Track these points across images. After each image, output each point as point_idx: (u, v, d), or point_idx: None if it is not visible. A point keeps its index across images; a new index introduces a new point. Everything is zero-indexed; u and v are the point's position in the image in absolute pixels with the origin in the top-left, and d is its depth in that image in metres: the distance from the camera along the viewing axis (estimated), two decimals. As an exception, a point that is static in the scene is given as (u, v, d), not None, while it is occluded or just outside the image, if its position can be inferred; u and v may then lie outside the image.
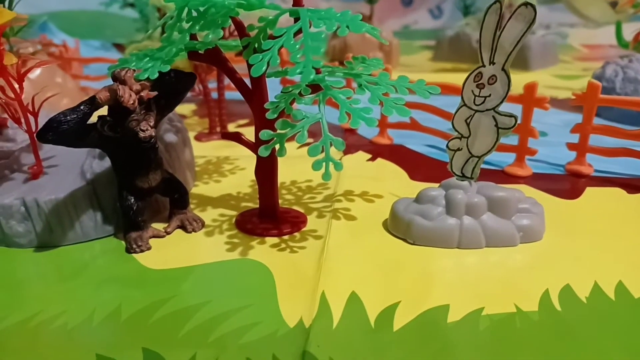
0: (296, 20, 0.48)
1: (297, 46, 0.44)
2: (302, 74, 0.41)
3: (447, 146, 0.54)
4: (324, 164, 0.45)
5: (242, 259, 0.51)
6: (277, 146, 0.46)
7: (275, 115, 0.46)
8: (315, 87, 0.49)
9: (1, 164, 0.62)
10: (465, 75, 0.53)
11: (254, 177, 0.71)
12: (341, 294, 0.44)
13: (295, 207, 0.62)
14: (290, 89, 0.48)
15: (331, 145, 0.44)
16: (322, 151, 0.44)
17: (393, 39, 1.57)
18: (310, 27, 0.45)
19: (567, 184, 0.68)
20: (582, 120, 0.68)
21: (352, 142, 0.84)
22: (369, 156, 0.77)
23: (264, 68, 0.44)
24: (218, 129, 0.91)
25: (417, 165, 0.74)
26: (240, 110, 1.11)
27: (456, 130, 0.53)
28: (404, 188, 0.66)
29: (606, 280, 0.45)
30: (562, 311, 0.41)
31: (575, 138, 0.70)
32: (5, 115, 0.68)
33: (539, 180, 0.69)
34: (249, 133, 0.95)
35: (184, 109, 1.14)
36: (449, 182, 0.54)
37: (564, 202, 0.62)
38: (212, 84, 0.92)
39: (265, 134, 0.46)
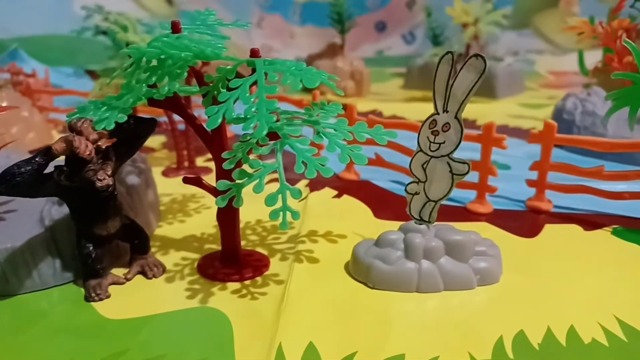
0: (253, 71, 0.49)
1: (252, 99, 0.44)
2: (256, 131, 0.42)
3: (405, 190, 0.55)
4: (281, 213, 0.46)
5: (201, 307, 0.51)
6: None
7: (232, 166, 0.46)
8: (273, 136, 0.49)
9: (-43, 210, 0.60)
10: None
11: (218, 216, 0.72)
12: (298, 345, 0.44)
13: (259, 249, 0.62)
14: (248, 137, 0.49)
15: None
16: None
17: (364, 68, 1.60)
18: (265, 78, 0.46)
19: (527, 220, 0.69)
20: (540, 158, 0.70)
21: (320, 178, 0.85)
22: (335, 192, 0.78)
23: (219, 120, 0.44)
24: (186, 164, 0.91)
25: (382, 203, 0.74)
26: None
27: (414, 175, 0.54)
28: (368, 227, 0.67)
29: (558, 324, 0.46)
30: (515, 359, 0.42)
31: (534, 173, 0.72)
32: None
33: (500, 217, 0.70)
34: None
35: (152, 141, 1.13)
36: (407, 225, 0.55)
37: (522, 241, 0.63)
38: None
39: (222, 184, 0.46)
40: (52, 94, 1.29)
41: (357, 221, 0.69)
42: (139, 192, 0.64)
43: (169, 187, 0.81)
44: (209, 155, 1.09)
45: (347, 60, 1.57)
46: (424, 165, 0.53)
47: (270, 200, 0.45)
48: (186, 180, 0.57)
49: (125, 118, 0.48)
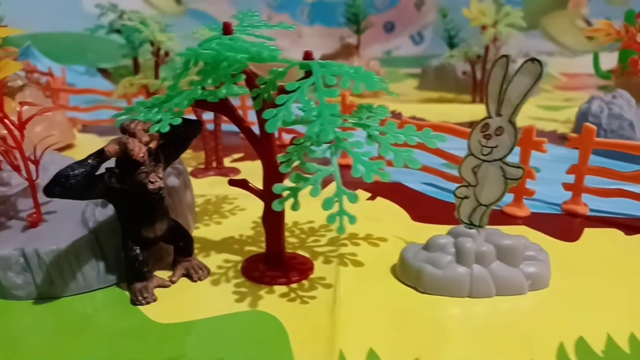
0: (307, 74, 0.48)
1: (312, 103, 0.44)
2: (320, 133, 0.41)
3: (454, 194, 0.55)
4: (338, 217, 0.45)
5: (251, 311, 0.50)
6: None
7: (289, 169, 0.46)
8: (326, 139, 0.49)
9: (-3, 211, 0.60)
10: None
11: (255, 218, 0.71)
12: (359, 351, 0.44)
13: (300, 252, 0.62)
14: (302, 141, 0.49)
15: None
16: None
17: (380, 68, 1.59)
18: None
19: (565, 224, 0.69)
20: (578, 161, 0.69)
21: (350, 179, 0.84)
22: (368, 195, 0.77)
23: (279, 123, 0.44)
24: (214, 164, 0.91)
25: (417, 205, 0.74)
26: (235, 143, 1.11)
27: (463, 179, 0.54)
28: (407, 230, 0.66)
29: (617, 331, 0.46)
30: (580, 366, 0.42)
31: (568, 176, 0.72)
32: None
33: (537, 221, 0.70)
34: (243, 167, 0.96)
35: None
36: (457, 229, 0.54)
37: (564, 245, 0.63)
38: (208, 115, 0.91)
39: (278, 187, 0.46)
40: (74, 92, 1.28)
41: (395, 224, 0.68)
42: (178, 194, 0.64)
43: (199, 188, 0.80)
44: (235, 155, 1.09)
45: (364, 61, 1.57)
46: (475, 169, 0.53)
47: (327, 204, 0.45)
48: (232, 183, 0.57)
49: (180, 120, 0.48)
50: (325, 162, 0.44)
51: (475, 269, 0.52)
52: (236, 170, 0.91)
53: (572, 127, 1.10)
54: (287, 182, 0.45)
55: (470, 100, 1.43)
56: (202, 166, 0.92)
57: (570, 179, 0.72)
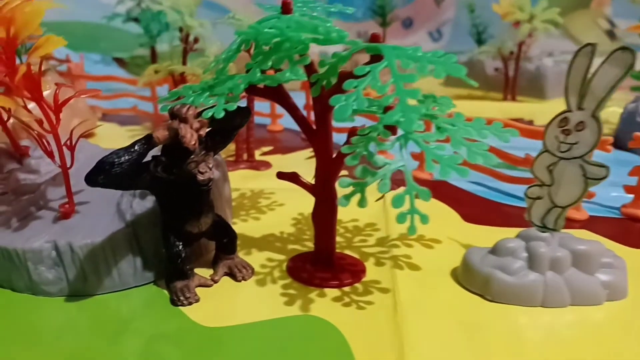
0: (374, 58, 0.44)
1: (387, 88, 0.39)
2: (403, 122, 0.37)
3: (525, 194, 0.50)
4: (408, 216, 0.41)
5: (304, 316, 0.46)
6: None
7: (357, 162, 0.42)
8: (393, 129, 0.45)
9: (26, 200, 0.56)
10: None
11: (295, 214, 0.67)
12: (432, 366, 0.40)
13: (348, 252, 0.57)
14: (367, 131, 0.44)
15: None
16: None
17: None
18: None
19: (627, 228, 0.64)
20: (643, 162, 0.65)
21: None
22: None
23: (350, 111, 0.39)
24: (245, 156, 0.87)
25: (466, 205, 0.70)
26: (262, 136, 1.07)
27: (536, 177, 0.50)
28: (461, 231, 0.62)
29: None
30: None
31: (627, 178, 0.67)
32: (27, 143, 0.63)
33: (597, 224, 0.65)
34: (274, 160, 0.92)
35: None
36: (528, 232, 0.50)
37: (632, 251, 0.58)
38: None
39: (344, 182, 0.42)
40: (96, 80, 1.24)
41: (446, 225, 0.64)
42: (218, 187, 0.60)
43: (232, 182, 0.76)
44: (264, 148, 1.05)
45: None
46: (550, 167, 0.48)
47: (397, 201, 0.41)
48: (281, 176, 0.52)
49: (235, 106, 0.44)
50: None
51: (549, 276, 0.47)
52: (267, 164, 0.87)
53: (614, 128, 1.05)
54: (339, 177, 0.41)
55: (501, 98, 1.38)
56: (231, 158, 0.88)
57: (632, 181, 0.67)
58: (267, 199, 0.72)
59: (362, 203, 0.41)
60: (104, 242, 0.49)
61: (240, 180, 0.79)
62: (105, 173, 0.42)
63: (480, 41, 1.56)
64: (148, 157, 0.44)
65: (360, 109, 0.39)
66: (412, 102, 0.39)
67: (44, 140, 0.52)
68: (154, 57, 1.62)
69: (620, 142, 0.90)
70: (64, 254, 0.49)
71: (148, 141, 0.43)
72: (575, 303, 0.47)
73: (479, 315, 0.46)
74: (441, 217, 0.67)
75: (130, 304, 0.49)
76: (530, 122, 1.10)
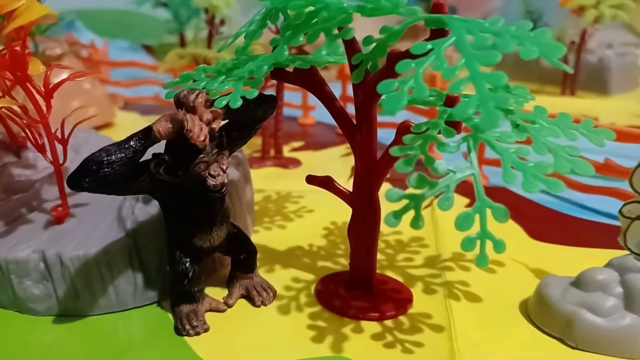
0: (435, 33, 0.34)
1: (457, 72, 0.29)
2: (481, 119, 0.27)
3: (620, 212, 0.40)
4: (478, 241, 0.31)
5: (336, 358, 0.37)
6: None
7: (411, 169, 0.32)
8: (457, 125, 0.35)
9: (17, 200, 0.48)
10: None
11: (327, 223, 0.58)
12: None
13: (389, 273, 0.48)
14: (425, 128, 0.34)
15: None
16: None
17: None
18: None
19: None
20: None
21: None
22: (466, 200, 0.62)
23: (404, 101, 0.29)
24: (272, 153, 0.78)
25: (531, 218, 0.59)
26: (292, 129, 0.98)
27: (636, 192, 0.39)
28: (528, 252, 0.51)
29: None
30: None
31: None
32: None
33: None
34: (304, 158, 0.82)
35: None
36: (624, 262, 0.39)
37: None
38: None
39: (393, 194, 0.32)
40: (116, 65, 1.17)
41: (509, 242, 0.52)
42: (237, 189, 0.51)
43: (256, 182, 0.67)
44: (294, 144, 0.96)
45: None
46: (658, 180, 0.37)
47: (463, 222, 0.31)
48: (311, 181, 0.43)
49: (257, 93, 0.34)
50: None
51: (653, 321, 0.36)
52: (297, 162, 0.78)
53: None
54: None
55: (559, 93, 1.24)
56: (258, 154, 0.79)
57: None
58: (295, 203, 0.62)
59: (416, 223, 0.32)
60: (99, 254, 0.41)
61: (266, 180, 0.70)
62: (92, 175, 0.33)
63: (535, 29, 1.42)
64: (148, 156, 0.36)
65: (420, 98, 0.29)
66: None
67: (35, 132, 0.44)
68: (182, 44, 1.55)
69: None
70: (53, 266, 0.41)
71: (146, 136, 0.34)
72: (688, 357, 0.36)
73: (561, 368, 0.36)
74: (502, 233, 0.55)
75: (128, 329, 0.42)
76: (595, 120, 0.97)
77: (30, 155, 0.54)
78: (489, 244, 0.32)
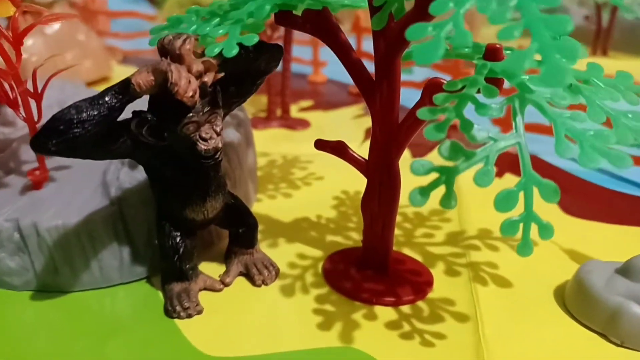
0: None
1: (509, 14, 0.23)
2: (543, 73, 0.21)
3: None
4: (521, 225, 0.26)
5: (344, 349, 0.33)
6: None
7: (443, 135, 0.26)
8: (497, 83, 0.29)
9: (-8, 161, 0.43)
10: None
11: (337, 192, 0.52)
12: None
13: (407, 251, 0.43)
14: (460, 85, 0.28)
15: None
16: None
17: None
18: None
19: None
20: None
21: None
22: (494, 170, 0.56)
23: (441, 50, 0.23)
24: (279, 113, 0.72)
25: (568, 192, 0.52)
26: (301, 87, 0.91)
27: None
28: (564, 230, 0.45)
29: None
30: None
31: None
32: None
33: None
34: (314, 119, 0.76)
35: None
36: (683, 248, 0.33)
37: None
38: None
39: (420, 166, 0.26)
40: (114, 15, 1.10)
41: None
42: (237, 153, 0.45)
43: (260, 144, 0.61)
44: (303, 104, 0.89)
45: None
46: None
47: (504, 202, 0.26)
48: (321, 146, 0.37)
49: (257, 38, 0.28)
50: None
51: None
52: (305, 123, 0.72)
53: None
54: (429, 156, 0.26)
55: (590, 53, 1.16)
56: (263, 114, 0.73)
57: None
58: (302, 169, 0.57)
59: (447, 202, 0.26)
60: (80, 224, 0.37)
61: (271, 143, 0.64)
62: (59, 136, 0.28)
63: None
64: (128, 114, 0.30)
65: (461, 46, 0.23)
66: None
67: (5, 84, 0.39)
68: (187, -5, 1.46)
69: None
70: (28, 237, 0.37)
71: (124, 90, 0.29)
72: None
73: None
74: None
75: (113, 308, 0.37)
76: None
77: (9, 112, 0.48)
78: (534, 228, 0.27)
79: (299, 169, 0.57)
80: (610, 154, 0.25)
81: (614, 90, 0.31)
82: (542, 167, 0.57)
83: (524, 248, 0.27)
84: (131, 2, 1.68)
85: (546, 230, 0.27)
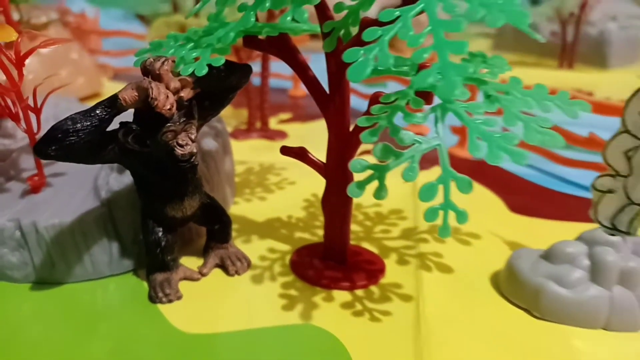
0: (407, 0, 0.33)
1: (422, 40, 0.29)
2: (440, 86, 0.27)
3: (592, 186, 0.40)
4: (440, 212, 0.31)
5: (304, 326, 0.38)
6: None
7: (375, 139, 0.32)
8: (426, 96, 0.34)
9: (-6, 169, 0.48)
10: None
11: (308, 195, 0.58)
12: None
13: (365, 245, 0.48)
14: (393, 98, 0.34)
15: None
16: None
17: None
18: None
19: None
20: None
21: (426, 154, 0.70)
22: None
23: (369, 70, 0.29)
24: (258, 125, 0.77)
25: (515, 192, 0.58)
26: (281, 101, 0.97)
27: (608, 165, 0.38)
28: (506, 225, 0.51)
29: None
30: None
31: None
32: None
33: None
34: (292, 130, 0.82)
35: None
36: (593, 235, 0.39)
37: None
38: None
39: (358, 165, 0.32)
40: (104, 35, 1.16)
41: (488, 215, 0.53)
42: (215, 160, 0.51)
43: (240, 153, 0.67)
44: (282, 116, 0.95)
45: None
46: (630, 154, 0.37)
47: (426, 192, 0.31)
48: (286, 151, 0.43)
49: (223, 60, 0.34)
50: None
51: (617, 292, 0.37)
52: (283, 134, 0.77)
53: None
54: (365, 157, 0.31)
55: (556, 65, 1.22)
56: (243, 127, 0.78)
57: None
58: (277, 175, 0.62)
59: (380, 193, 0.32)
60: (74, 223, 0.42)
61: (250, 152, 0.70)
62: (57, 143, 0.33)
63: (535, 1, 1.39)
64: (116, 125, 0.36)
65: (384, 67, 0.29)
66: (455, 59, 0.28)
67: (10, 101, 0.44)
68: (175, 12, 1.52)
69: None
70: (28, 234, 0.42)
71: (112, 104, 0.34)
72: (651, 328, 0.37)
73: (523, 336, 0.37)
74: (482, 205, 0.56)
75: (104, 297, 0.42)
76: (590, 94, 0.96)
77: (9, 125, 0.53)
78: (451, 215, 0.32)
79: (274, 175, 0.62)
80: (512, 151, 0.31)
81: (530, 100, 0.37)
82: (495, 171, 0.62)
83: (444, 230, 0.32)
84: (122, 21, 1.74)
85: (462, 216, 0.32)
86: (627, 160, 0.37)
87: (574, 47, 1.22)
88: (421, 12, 0.30)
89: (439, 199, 0.31)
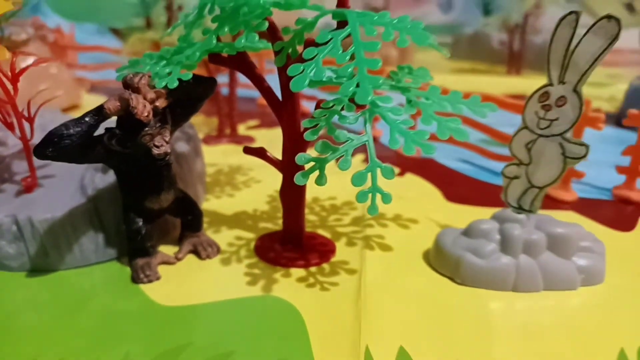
0: (340, 24, 0.41)
1: (347, 57, 0.37)
2: (356, 94, 0.34)
3: (502, 173, 0.48)
4: (369, 195, 0.39)
5: (265, 296, 0.45)
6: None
7: (316, 137, 0.39)
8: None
9: (-11, 173, 0.54)
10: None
11: (271, 192, 0.65)
12: (388, 350, 0.38)
13: (320, 231, 0.55)
14: (331, 104, 0.42)
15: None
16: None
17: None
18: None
19: (617, 211, 0.62)
20: (637, 142, 0.62)
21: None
22: (397, 170, 0.70)
23: (306, 82, 0.37)
24: (227, 131, 0.84)
25: (451, 184, 0.67)
26: (250, 109, 1.04)
27: (514, 156, 0.47)
28: (441, 211, 0.60)
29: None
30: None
31: (620, 159, 0.64)
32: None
33: (586, 206, 0.62)
34: (259, 135, 0.89)
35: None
36: (503, 213, 0.47)
37: (618, 235, 0.56)
38: (222, 78, 0.85)
39: (302, 157, 0.39)
40: (82, 50, 1.21)
41: (427, 204, 0.62)
42: (188, 161, 0.58)
43: (211, 157, 0.74)
44: (251, 123, 1.02)
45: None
46: (529, 145, 0.46)
47: (358, 179, 0.39)
48: (248, 151, 0.50)
49: (191, 75, 0.41)
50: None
51: (522, 260, 0.45)
52: (251, 139, 0.84)
53: (618, 106, 1.01)
54: (312, 152, 0.39)
55: (505, 72, 1.33)
56: (214, 133, 0.85)
57: (624, 161, 0.64)
58: (244, 175, 0.70)
59: (320, 180, 0.39)
60: (64, 217, 0.48)
61: (220, 156, 0.77)
62: (53, 145, 0.40)
63: (487, 12, 1.50)
64: (102, 130, 0.42)
65: (318, 79, 0.37)
66: (373, 72, 0.36)
67: (3, 111, 0.50)
68: (149, 27, 1.58)
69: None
70: (24, 228, 0.48)
71: (99, 113, 0.41)
72: (549, 288, 0.45)
73: (446, 299, 0.44)
74: (423, 196, 0.64)
75: (91, 281, 0.48)
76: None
77: (1, 134, 0.60)
78: (378, 197, 0.39)
79: (242, 175, 0.70)
80: (423, 145, 0.39)
81: (445, 103, 0.45)
82: (437, 167, 0.71)
83: (372, 209, 0.39)
84: (96, 35, 1.79)
85: (386, 198, 0.39)
86: (527, 151, 0.46)
87: (520, 55, 1.33)
88: (348, 35, 0.38)
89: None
